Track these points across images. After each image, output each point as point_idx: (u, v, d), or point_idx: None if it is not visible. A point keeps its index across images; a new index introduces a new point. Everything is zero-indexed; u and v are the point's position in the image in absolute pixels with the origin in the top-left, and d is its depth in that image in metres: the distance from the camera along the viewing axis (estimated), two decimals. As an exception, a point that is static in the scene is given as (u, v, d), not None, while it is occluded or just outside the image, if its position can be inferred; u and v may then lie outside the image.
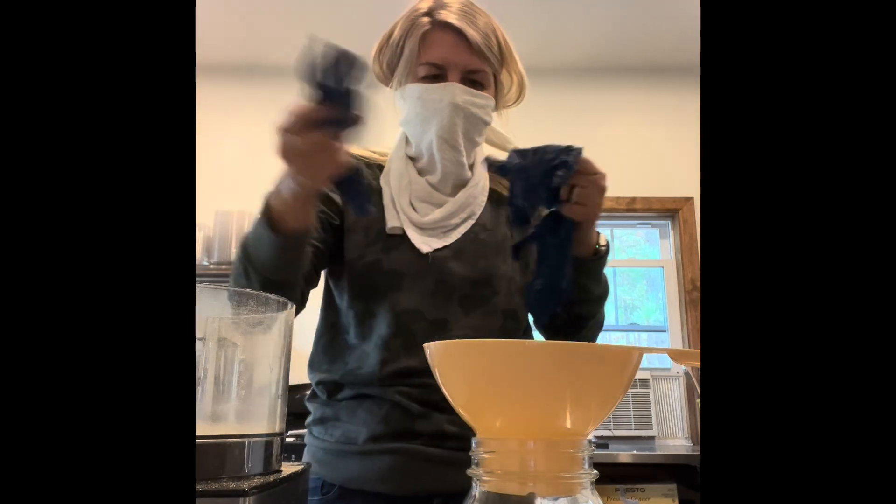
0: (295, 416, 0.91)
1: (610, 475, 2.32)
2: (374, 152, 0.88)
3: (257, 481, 0.31)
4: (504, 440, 0.30)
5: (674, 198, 3.03)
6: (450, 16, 0.78)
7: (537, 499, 0.28)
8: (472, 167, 0.85)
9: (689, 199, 3.04)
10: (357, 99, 0.56)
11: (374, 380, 0.73)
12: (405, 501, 0.71)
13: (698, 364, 0.29)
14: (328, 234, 0.79)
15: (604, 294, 0.80)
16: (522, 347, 0.31)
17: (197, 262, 2.48)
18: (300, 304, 0.74)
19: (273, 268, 0.65)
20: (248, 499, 0.29)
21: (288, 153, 0.59)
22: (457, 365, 0.32)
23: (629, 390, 2.50)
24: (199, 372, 0.33)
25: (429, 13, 0.79)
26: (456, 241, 0.81)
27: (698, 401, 2.67)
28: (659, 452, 2.35)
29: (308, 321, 0.92)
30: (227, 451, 0.32)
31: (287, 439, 1.41)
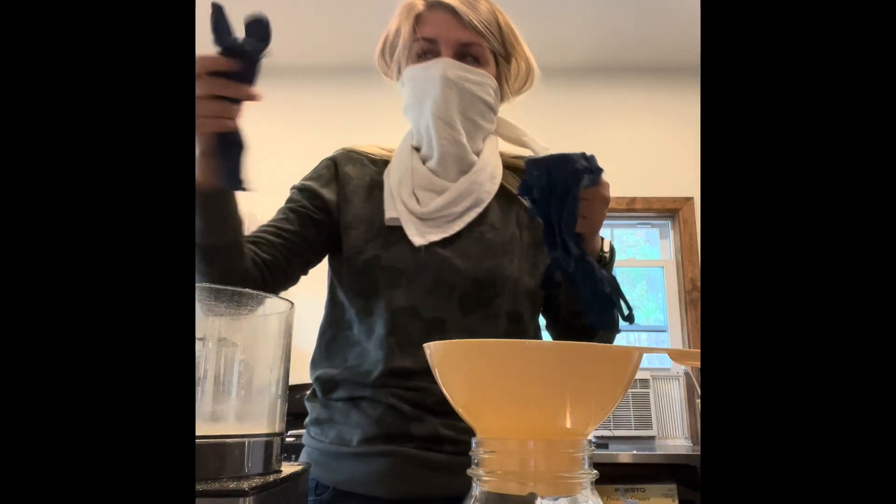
0: (295, 416, 0.91)
1: (610, 475, 2.32)
2: (382, 149, 0.86)
3: (257, 481, 0.31)
4: (504, 440, 0.30)
5: (674, 198, 3.03)
6: None
7: (537, 499, 0.28)
8: (479, 154, 0.82)
9: (689, 199, 3.04)
10: (254, 62, 0.57)
11: (370, 379, 0.72)
12: None
13: (698, 364, 0.29)
14: (308, 229, 0.78)
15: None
16: (522, 347, 0.31)
17: (197, 262, 2.48)
18: (258, 284, 0.72)
19: (197, 232, 0.64)
20: (248, 499, 0.29)
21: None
22: (457, 365, 0.32)
23: (629, 390, 2.50)
24: (199, 372, 0.33)
25: None
26: (460, 239, 0.78)
27: (698, 401, 2.67)
28: (659, 452, 2.35)
29: (309, 321, 0.91)
30: (227, 451, 0.32)
31: (287, 439, 1.41)
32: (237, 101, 0.58)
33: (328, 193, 0.80)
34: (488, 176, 0.82)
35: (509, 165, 0.88)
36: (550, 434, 0.30)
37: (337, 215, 0.80)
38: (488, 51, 0.80)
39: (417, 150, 0.83)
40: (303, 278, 0.81)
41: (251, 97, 0.58)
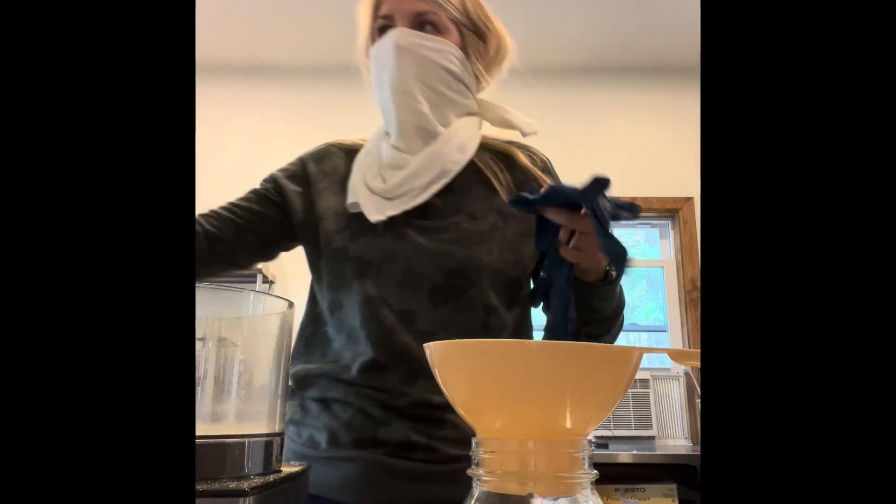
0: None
1: (610, 475, 2.32)
2: (360, 140, 0.85)
3: (257, 481, 0.31)
4: (504, 440, 0.30)
5: (674, 198, 3.03)
6: None
7: (537, 499, 0.28)
8: (447, 126, 0.78)
9: (689, 199, 3.04)
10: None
11: (342, 374, 0.71)
12: None
13: (698, 364, 0.29)
14: (266, 208, 0.78)
15: (618, 309, 0.77)
16: (522, 347, 0.31)
17: (197, 262, 2.48)
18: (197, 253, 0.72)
19: None
20: (248, 499, 0.29)
21: None
22: (457, 365, 0.32)
23: (629, 390, 2.51)
24: (199, 372, 0.33)
25: None
26: (435, 227, 0.75)
27: (698, 401, 2.67)
28: (659, 452, 2.35)
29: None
30: (227, 451, 0.32)
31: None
32: None
33: (290, 184, 0.79)
34: (456, 146, 0.77)
35: (496, 149, 0.84)
36: (550, 434, 0.30)
37: (301, 208, 0.78)
38: (447, 19, 0.77)
39: (388, 133, 0.80)
40: (303, 279, 0.81)
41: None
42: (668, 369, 2.84)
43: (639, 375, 2.68)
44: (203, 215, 0.74)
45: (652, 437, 2.65)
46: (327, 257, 0.75)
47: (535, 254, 0.79)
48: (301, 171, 0.81)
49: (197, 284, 0.29)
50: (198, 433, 0.30)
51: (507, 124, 0.82)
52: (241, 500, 0.29)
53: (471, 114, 0.82)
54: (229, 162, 2.74)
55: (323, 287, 0.77)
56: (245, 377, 0.35)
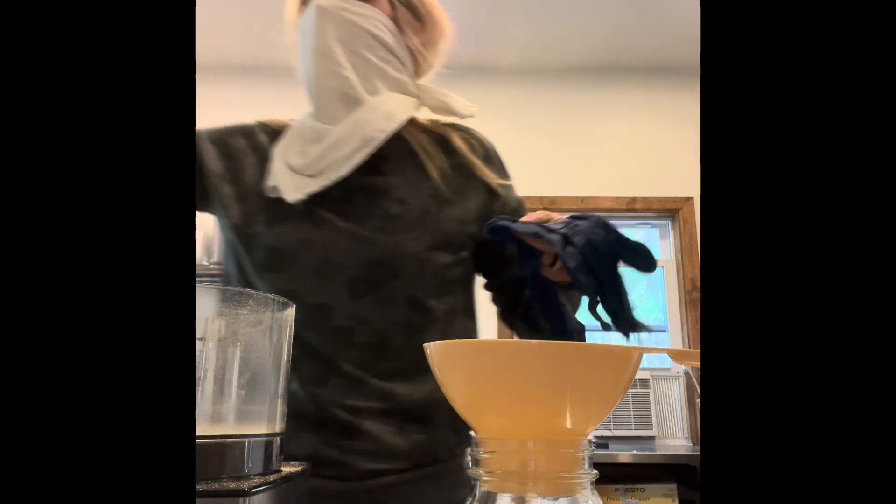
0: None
1: (610, 475, 2.32)
2: (289, 121, 0.80)
3: (257, 481, 0.31)
4: (504, 440, 0.30)
5: (674, 198, 3.03)
6: None
7: (537, 499, 0.28)
8: (375, 95, 0.72)
9: (689, 199, 3.04)
10: None
11: None
12: None
13: (698, 364, 0.29)
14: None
15: (575, 307, 0.74)
16: (522, 347, 0.31)
17: (197, 261, 2.49)
18: None
19: None
20: (248, 499, 0.29)
21: None
22: (456, 365, 0.32)
23: (629, 390, 2.51)
24: (199, 372, 0.33)
25: None
26: (356, 213, 0.69)
27: (698, 401, 2.67)
28: (659, 452, 2.35)
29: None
30: (227, 451, 0.32)
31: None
32: None
33: (212, 150, 0.74)
34: (383, 114, 0.70)
35: (432, 131, 0.79)
36: (550, 434, 0.30)
37: (218, 179, 0.73)
38: None
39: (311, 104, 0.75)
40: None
41: None
42: (668, 369, 2.84)
43: (639, 375, 2.68)
44: None
45: (652, 437, 2.65)
46: (241, 242, 0.70)
47: (473, 236, 0.75)
48: (225, 142, 0.76)
49: (197, 284, 0.29)
50: (198, 433, 0.30)
51: (446, 108, 0.77)
52: (241, 500, 0.29)
53: (407, 94, 0.76)
54: (229, 162, 2.74)
55: (236, 277, 0.72)
56: (245, 377, 0.35)
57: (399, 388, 0.68)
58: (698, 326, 2.35)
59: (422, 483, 0.70)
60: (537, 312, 0.69)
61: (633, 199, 2.98)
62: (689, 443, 2.70)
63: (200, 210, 0.75)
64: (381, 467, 0.66)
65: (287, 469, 0.36)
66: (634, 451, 2.29)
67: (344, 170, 0.68)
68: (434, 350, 0.33)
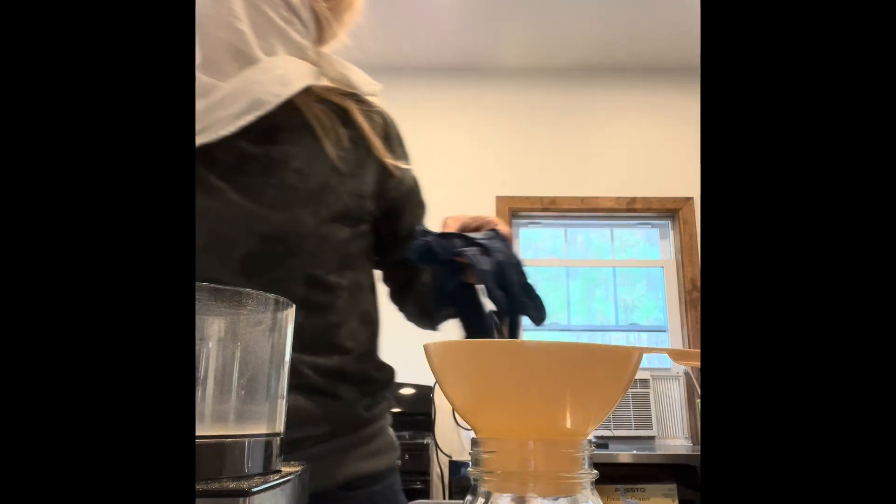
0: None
1: (610, 475, 2.32)
2: None
3: (257, 481, 0.31)
4: (504, 440, 0.30)
5: (674, 198, 3.03)
6: None
7: (537, 499, 0.28)
8: (271, 56, 0.68)
9: (689, 199, 3.04)
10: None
11: None
12: None
13: (698, 364, 0.29)
14: None
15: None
16: (522, 347, 0.31)
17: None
18: None
19: None
20: (248, 499, 0.29)
21: None
22: (456, 365, 0.32)
23: (629, 390, 2.51)
24: (199, 372, 0.33)
25: None
26: (249, 184, 0.64)
27: (698, 401, 2.67)
28: (659, 452, 2.35)
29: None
30: (227, 451, 0.32)
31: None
32: None
33: None
34: (277, 77, 0.65)
35: (331, 101, 0.74)
36: (550, 434, 0.30)
37: None
38: None
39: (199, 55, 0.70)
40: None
41: None
42: (668, 369, 2.84)
43: (639, 375, 2.68)
44: None
45: (652, 437, 2.66)
46: None
47: (372, 212, 0.74)
48: None
49: (197, 284, 0.29)
50: (198, 433, 0.30)
51: (346, 81, 0.74)
52: (241, 500, 0.29)
53: (306, 60, 0.72)
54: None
55: None
56: (245, 377, 0.35)
57: (304, 363, 0.66)
58: (698, 326, 2.35)
59: (346, 452, 0.70)
60: (448, 311, 0.70)
61: (633, 199, 2.98)
62: (689, 443, 2.70)
63: None
64: (301, 435, 0.65)
65: (287, 469, 0.36)
66: (634, 451, 2.29)
67: (229, 129, 0.63)
68: (434, 350, 0.33)
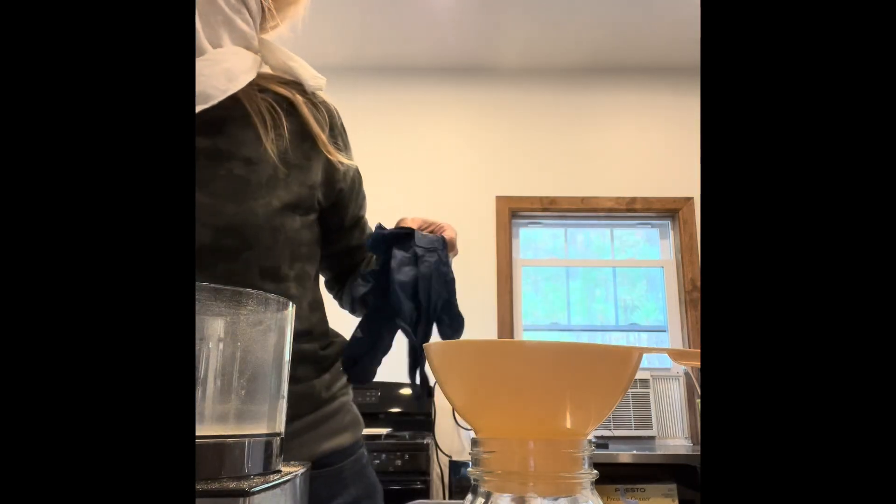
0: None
1: (610, 475, 2.32)
2: None
3: (257, 481, 0.31)
4: (504, 440, 0.30)
5: (674, 198, 3.03)
6: None
7: (537, 499, 0.28)
8: (217, 48, 0.67)
9: (689, 199, 3.04)
10: None
11: None
12: None
13: (698, 364, 0.29)
14: None
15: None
16: (522, 347, 0.31)
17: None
18: None
19: None
20: (248, 499, 0.29)
21: None
22: (456, 365, 0.32)
23: (629, 390, 2.51)
24: (199, 372, 0.33)
25: None
26: (201, 177, 0.64)
27: (698, 401, 2.67)
28: (659, 452, 2.35)
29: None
30: (227, 451, 0.32)
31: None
32: None
33: None
34: (223, 71, 0.65)
35: (277, 93, 0.74)
36: (550, 434, 0.30)
37: None
38: None
39: None
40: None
41: None
42: (668, 369, 2.84)
43: (639, 375, 2.69)
44: None
45: (652, 437, 2.66)
46: None
47: (319, 202, 0.75)
48: None
49: (197, 284, 0.29)
50: (198, 433, 0.30)
51: (291, 72, 0.74)
52: (241, 500, 0.29)
53: (250, 49, 0.71)
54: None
55: None
56: (245, 377, 0.35)
57: None
58: (698, 326, 2.35)
59: (311, 430, 0.72)
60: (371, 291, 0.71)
61: (633, 199, 2.98)
62: (689, 443, 2.70)
63: None
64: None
65: (287, 469, 0.36)
66: (634, 451, 2.29)
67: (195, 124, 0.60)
68: (434, 350, 0.33)
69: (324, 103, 0.79)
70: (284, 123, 0.72)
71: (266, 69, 0.74)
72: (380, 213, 0.91)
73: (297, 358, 0.71)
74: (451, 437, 2.77)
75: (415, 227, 0.73)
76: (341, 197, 0.79)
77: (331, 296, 0.90)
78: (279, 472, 0.35)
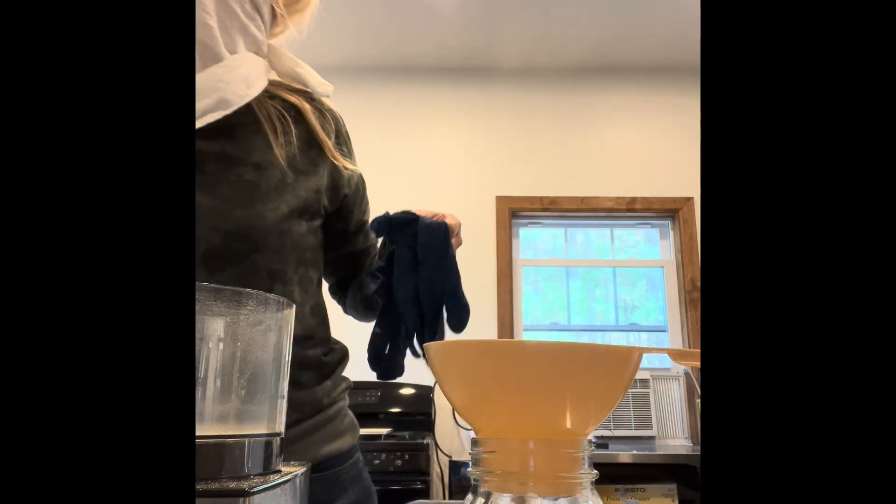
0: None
1: (610, 475, 2.33)
2: None
3: (257, 481, 0.31)
4: (504, 440, 0.30)
5: (674, 198, 3.03)
6: None
7: (537, 499, 0.28)
8: (234, 54, 0.68)
9: (689, 199, 3.04)
10: None
11: None
12: None
13: (698, 364, 0.29)
14: None
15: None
16: (522, 347, 0.31)
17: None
18: None
19: None
20: (248, 499, 0.29)
21: None
22: (456, 365, 0.32)
23: (629, 390, 2.51)
24: (199, 372, 0.33)
25: None
26: (210, 181, 0.65)
27: (698, 401, 2.68)
28: (659, 452, 2.35)
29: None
30: (227, 451, 0.32)
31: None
32: None
33: None
34: (241, 78, 0.66)
35: (285, 100, 0.75)
36: (550, 434, 0.30)
37: None
38: None
39: None
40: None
41: None
42: (668, 369, 2.84)
43: (639, 375, 2.69)
44: None
45: (652, 437, 2.66)
46: None
47: (325, 207, 0.76)
48: None
49: (197, 284, 0.29)
50: (198, 433, 0.30)
51: (299, 79, 0.75)
52: (241, 500, 0.29)
53: (259, 54, 0.73)
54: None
55: None
56: (245, 377, 0.35)
57: None
58: (698, 326, 2.35)
59: (311, 435, 0.73)
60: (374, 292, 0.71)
61: (633, 199, 2.98)
62: (689, 443, 2.70)
63: None
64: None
65: (287, 469, 0.36)
66: (634, 451, 2.29)
67: (196, 124, 0.64)
68: (434, 350, 0.33)
69: (330, 111, 0.80)
70: (293, 130, 0.73)
71: (273, 75, 0.75)
72: (380, 212, 0.91)
73: (300, 363, 0.72)
74: (451, 437, 2.77)
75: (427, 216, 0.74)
76: (346, 202, 0.80)
77: (334, 301, 0.91)
78: (279, 472, 0.35)
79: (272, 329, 0.38)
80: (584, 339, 3.01)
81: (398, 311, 0.68)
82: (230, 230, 0.64)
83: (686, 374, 2.80)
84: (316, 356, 0.75)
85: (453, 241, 0.74)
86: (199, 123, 0.63)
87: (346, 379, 0.82)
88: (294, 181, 0.70)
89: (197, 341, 0.32)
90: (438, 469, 2.64)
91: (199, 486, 0.29)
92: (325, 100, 0.80)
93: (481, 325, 2.86)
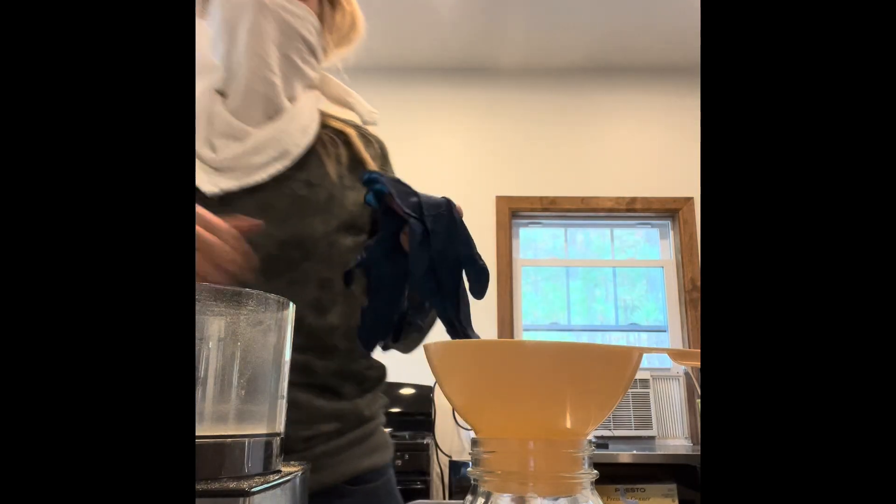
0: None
1: (610, 475, 2.33)
2: None
3: (257, 481, 0.31)
4: (504, 440, 0.30)
5: (674, 198, 3.03)
6: None
7: (537, 499, 0.28)
8: (293, 101, 0.74)
9: (689, 199, 3.04)
10: None
11: None
12: None
13: (698, 364, 0.29)
14: None
15: None
16: (522, 347, 0.31)
17: (197, 262, 2.48)
18: None
19: None
20: (248, 499, 0.29)
21: None
22: (456, 365, 0.32)
23: (629, 390, 2.51)
24: (199, 372, 0.33)
25: None
26: (266, 195, 0.70)
27: (698, 401, 2.68)
28: (659, 452, 2.35)
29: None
30: (227, 451, 0.32)
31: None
32: None
33: None
34: (300, 128, 0.73)
35: (333, 127, 0.80)
36: (550, 434, 0.30)
37: None
38: None
39: (222, 94, 0.74)
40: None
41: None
42: (668, 369, 2.84)
43: (639, 375, 2.69)
44: None
45: (652, 437, 2.66)
46: None
47: (371, 223, 0.78)
48: None
49: (197, 284, 0.29)
50: (198, 433, 0.30)
51: (348, 105, 0.80)
52: (241, 500, 0.29)
53: (311, 87, 0.78)
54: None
55: None
56: (245, 377, 0.35)
57: (315, 362, 0.71)
58: (698, 326, 2.35)
59: (351, 448, 0.74)
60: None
61: (633, 199, 2.98)
62: (689, 443, 2.70)
63: None
64: (311, 433, 0.70)
65: (287, 469, 0.36)
66: (634, 451, 2.29)
67: (260, 176, 0.70)
68: (434, 350, 0.33)
69: (375, 137, 0.85)
70: (344, 152, 0.78)
71: (324, 101, 0.81)
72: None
73: (343, 375, 0.74)
74: (451, 437, 2.77)
75: None
76: None
77: None
78: (279, 472, 0.35)
79: (272, 329, 0.38)
80: (584, 339, 3.01)
81: (414, 284, 0.66)
82: (284, 239, 0.69)
83: (686, 374, 2.80)
84: (359, 369, 0.77)
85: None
86: (265, 174, 0.70)
87: (383, 396, 0.84)
88: (341, 197, 0.75)
89: (197, 341, 0.32)
90: (438, 469, 2.64)
91: (199, 486, 0.29)
92: (370, 130, 0.84)
93: (481, 325, 2.85)
